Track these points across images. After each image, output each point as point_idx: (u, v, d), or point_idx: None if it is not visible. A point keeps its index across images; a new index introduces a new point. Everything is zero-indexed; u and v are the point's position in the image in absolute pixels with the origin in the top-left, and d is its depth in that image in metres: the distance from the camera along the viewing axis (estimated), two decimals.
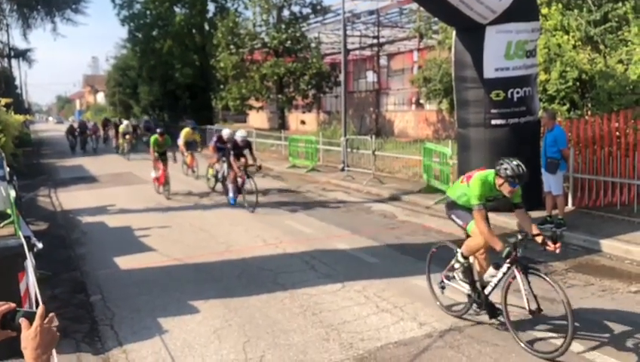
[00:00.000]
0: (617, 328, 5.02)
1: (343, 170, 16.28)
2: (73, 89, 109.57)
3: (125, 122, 25.65)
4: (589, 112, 11.23)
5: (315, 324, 5.29)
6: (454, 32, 10.10)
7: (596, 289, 6.15)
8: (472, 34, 9.48)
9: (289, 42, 29.97)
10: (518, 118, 9.44)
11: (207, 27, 35.47)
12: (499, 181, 4.72)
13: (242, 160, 11.49)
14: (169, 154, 13.88)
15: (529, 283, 4.57)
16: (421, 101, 27.36)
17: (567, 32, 12.17)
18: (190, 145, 16.12)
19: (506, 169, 4.63)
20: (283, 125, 31.82)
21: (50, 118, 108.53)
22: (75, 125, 31.90)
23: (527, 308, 4.58)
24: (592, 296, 5.88)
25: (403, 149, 16.80)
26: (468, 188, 4.95)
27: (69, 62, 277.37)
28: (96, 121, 30.68)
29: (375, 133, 22.28)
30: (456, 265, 5.27)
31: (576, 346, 4.62)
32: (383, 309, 5.63)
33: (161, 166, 12.98)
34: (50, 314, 1.62)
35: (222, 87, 34.03)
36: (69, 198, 13.32)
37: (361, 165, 15.99)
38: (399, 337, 4.94)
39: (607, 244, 7.65)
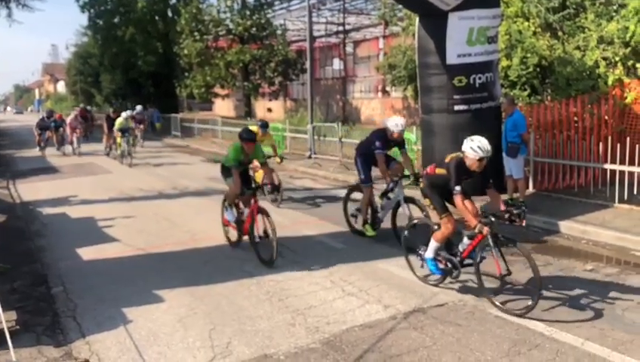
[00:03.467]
0: (574, 304, 5.20)
1: (310, 157, 16.29)
2: (32, 78, 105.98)
3: (126, 113, 18.38)
4: (549, 97, 11.50)
5: (282, 310, 5.31)
6: (417, 19, 10.16)
7: (554, 268, 6.35)
8: (434, 20, 9.54)
9: (254, 29, 29.64)
10: (480, 103, 9.57)
11: (170, 14, 34.73)
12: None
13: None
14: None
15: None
16: (387, 88, 27.53)
17: (528, 19, 12.38)
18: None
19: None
20: (249, 113, 31.57)
21: (9, 108, 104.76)
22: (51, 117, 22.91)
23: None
24: (550, 275, 6.07)
25: None
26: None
27: (27, 50, 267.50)
28: (76, 113, 22.29)
29: (342, 121, 22.34)
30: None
31: (536, 323, 4.78)
32: (348, 293, 5.69)
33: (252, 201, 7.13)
34: None
35: (186, 74, 33.45)
36: (29, 190, 12.95)
37: (328, 152, 16.02)
38: (364, 320, 5.01)
39: (566, 225, 7.90)
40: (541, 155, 9.93)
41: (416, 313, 5.12)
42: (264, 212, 6.87)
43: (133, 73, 34.41)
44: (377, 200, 7.89)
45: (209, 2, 33.54)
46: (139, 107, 21.00)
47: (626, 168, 8.48)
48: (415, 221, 6.38)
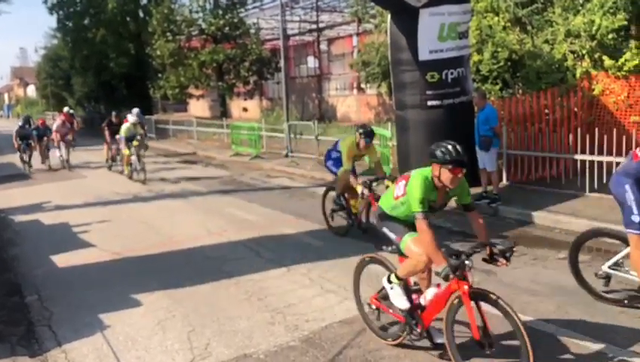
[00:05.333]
0: (547, 292, 5.32)
1: (287, 156, 16.28)
2: (0, 82, 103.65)
3: (133, 118, 14.62)
4: (520, 91, 11.69)
5: (261, 309, 5.32)
6: (389, 16, 10.24)
7: (528, 258, 6.48)
8: (406, 17, 9.63)
9: (227, 28, 29.45)
10: (453, 98, 9.71)
11: (141, 14, 34.30)
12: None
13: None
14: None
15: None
16: (362, 85, 27.63)
17: (497, 14, 12.56)
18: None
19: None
20: (225, 113, 31.37)
21: None
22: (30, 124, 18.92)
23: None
24: (524, 265, 6.19)
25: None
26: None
27: None
28: (63, 119, 18.06)
29: (318, 118, 22.37)
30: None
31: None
32: (327, 290, 5.72)
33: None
34: None
35: (159, 75, 33.11)
36: (0, 197, 12.68)
37: (305, 150, 16.03)
38: (343, 316, 5.04)
39: (539, 216, 8.05)
40: (513, 148, 10.10)
41: None
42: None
43: (106, 75, 33.92)
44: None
45: (181, 2, 33.11)
46: (135, 110, 16.52)
47: (596, 158, 8.67)
48: None
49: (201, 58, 29.37)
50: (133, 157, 13.62)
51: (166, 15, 30.06)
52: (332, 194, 8.17)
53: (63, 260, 7.31)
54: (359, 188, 7.18)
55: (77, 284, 6.31)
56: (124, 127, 14.16)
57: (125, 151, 13.95)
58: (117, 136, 14.92)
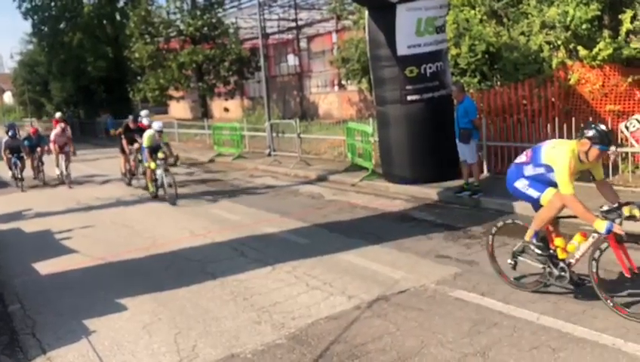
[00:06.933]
0: (529, 281, 5.39)
1: (269, 155, 16.27)
2: None
3: (158, 125, 11.60)
4: (498, 83, 11.82)
5: (247, 309, 5.32)
6: (367, 12, 10.29)
7: (511, 248, 6.52)
8: (383, 13, 9.69)
9: (205, 29, 29.32)
10: (432, 92, 9.79)
11: (118, 17, 33.96)
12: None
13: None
14: None
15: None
16: (343, 82, 27.67)
17: (474, 7, 12.68)
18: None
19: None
20: (206, 114, 31.22)
21: None
22: (21, 133, 17.09)
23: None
24: (506, 255, 6.24)
25: (328, 130, 16.98)
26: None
27: None
28: (63, 126, 15.01)
29: (300, 116, 22.35)
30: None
31: (495, 303, 4.94)
32: (313, 287, 5.74)
33: None
34: None
35: (139, 78, 32.85)
36: None
37: (287, 149, 16.03)
38: (329, 312, 5.07)
39: (520, 206, 8.14)
40: (493, 139, 10.21)
41: (380, 301, 5.22)
42: None
43: (84, 79, 33.55)
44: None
45: (158, 3, 32.96)
46: (144, 112, 14.78)
47: None
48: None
49: (180, 59, 29.20)
50: (159, 172, 11.17)
51: (143, 17, 29.82)
52: (508, 227, 5.72)
53: (45, 267, 7.23)
54: (602, 225, 4.46)
55: (60, 291, 6.25)
56: (147, 135, 11.47)
57: (151, 165, 11.24)
58: (133, 146, 13.10)
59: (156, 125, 11.55)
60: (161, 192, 11.30)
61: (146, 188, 12.21)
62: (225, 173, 14.78)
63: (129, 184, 13.61)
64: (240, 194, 11.44)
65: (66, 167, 14.41)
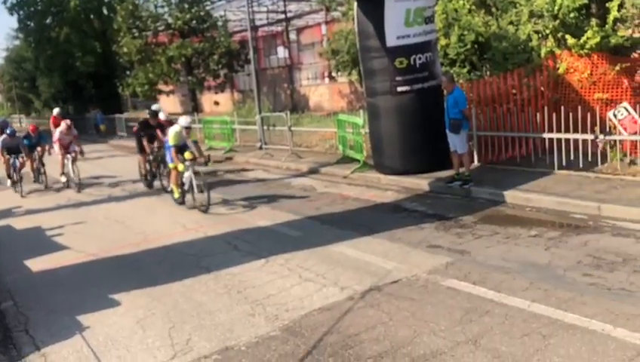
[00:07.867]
0: (519, 269, 5.45)
1: (261, 148, 16.24)
2: None
3: (185, 120, 9.71)
4: (488, 73, 11.85)
5: (241, 301, 5.34)
6: (355, 3, 10.26)
7: (501, 237, 6.62)
8: (372, 4, 9.67)
9: (194, 22, 29.10)
10: (422, 83, 9.81)
11: (105, 11, 33.67)
12: None
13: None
14: None
15: None
16: (333, 74, 27.62)
17: None
18: None
19: None
20: (196, 108, 31.07)
21: None
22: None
23: None
24: (497, 244, 6.33)
25: (319, 123, 16.96)
26: None
27: None
28: (68, 124, 13.31)
29: (291, 109, 22.30)
30: None
31: (486, 291, 4.99)
32: (306, 279, 5.77)
33: None
34: None
35: (128, 73, 32.61)
36: None
37: (278, 142, 16.00)
38: (322, 303, 5.10)
39: (510, 195, 8.22)
40: (483, 129, 10.25)
41: (372, 291, 5.25)
42: None
43: (72, 75, 33.29)
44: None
45: None
46: (156, 106, 13.28)
47: (563, 136, 8.88)
48: None
49: (169, 53, 29.00)
50: (187, 174, 9.46)
51: (131, 11, 29.56)
52: None
53: (37, 264, 7.21)
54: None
55: (52, 288, 6.24)
56: (173, 131, 9.58)
57: (179, 167, 9.42)
58: (154, 144, 11.77)
59: (183, 120, 9.73)
60: (188, 198, 9.76)
61: (168, 190, 10.67)
62: (216, 166, 14.74)
63: (150, 186, 12.12)
64: (232, 188, 11.42)
65: (74, 170, 12.73)
